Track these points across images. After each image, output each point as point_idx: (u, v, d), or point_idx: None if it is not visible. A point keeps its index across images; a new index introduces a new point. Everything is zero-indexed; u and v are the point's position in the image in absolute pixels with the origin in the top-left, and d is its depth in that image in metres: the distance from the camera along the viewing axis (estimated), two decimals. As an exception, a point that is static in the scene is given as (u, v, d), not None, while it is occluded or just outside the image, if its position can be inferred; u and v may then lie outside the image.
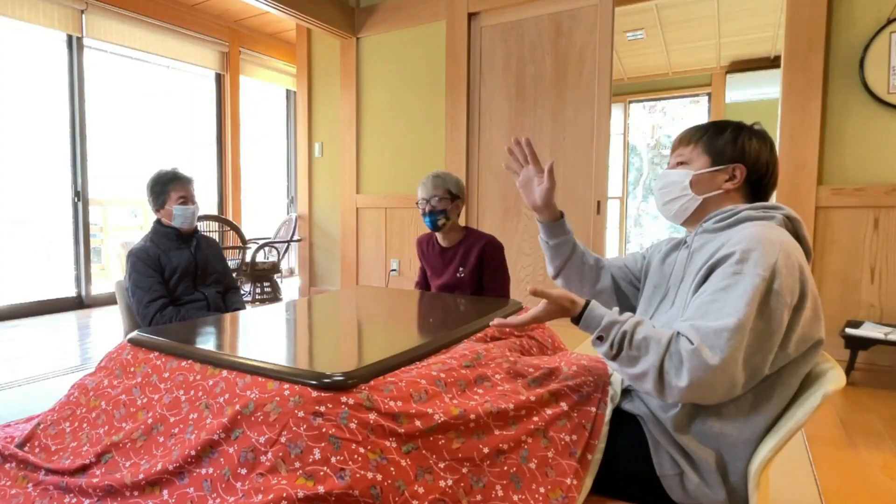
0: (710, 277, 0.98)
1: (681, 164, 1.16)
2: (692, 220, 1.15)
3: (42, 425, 1.29)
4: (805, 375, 0.98)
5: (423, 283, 2.42)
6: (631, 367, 0.97)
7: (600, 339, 1.00)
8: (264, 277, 4.70)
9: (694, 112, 7.06)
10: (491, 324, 1.14)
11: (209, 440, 0.98)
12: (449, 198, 2.17)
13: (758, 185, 1.11)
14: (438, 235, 2.28)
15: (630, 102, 7.04)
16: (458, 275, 2.20)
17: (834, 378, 0.93)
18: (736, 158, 1.10)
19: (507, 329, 1.51)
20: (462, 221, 3.78)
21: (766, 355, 0.92)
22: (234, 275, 2.62)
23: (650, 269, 1.24)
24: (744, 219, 1.04)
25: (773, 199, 1.15)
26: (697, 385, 0.90)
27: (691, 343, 0.91)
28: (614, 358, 0.99)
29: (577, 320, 1.05)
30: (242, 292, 2.53)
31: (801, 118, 2.94)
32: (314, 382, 0.98)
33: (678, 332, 0.95)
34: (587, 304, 1.04)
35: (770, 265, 0.91)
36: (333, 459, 0.89)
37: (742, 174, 1.09)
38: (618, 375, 1.17)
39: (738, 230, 1.01)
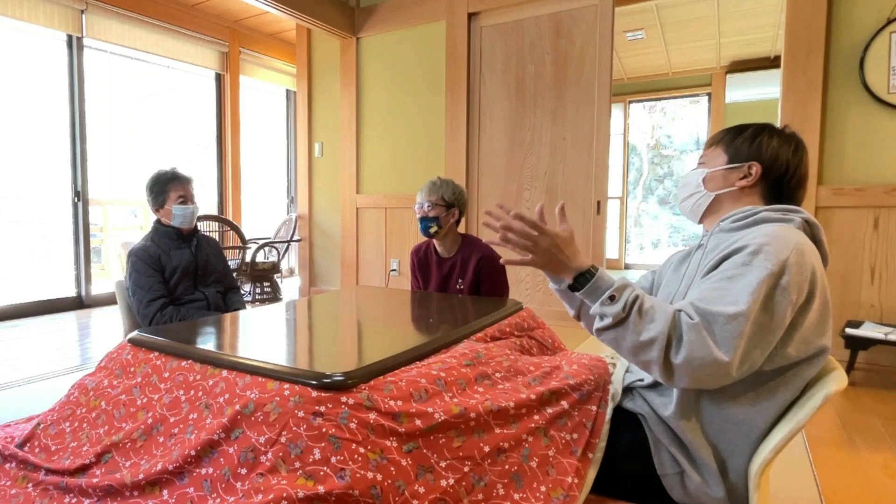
0: (719, 266, 0.97)
1: (701, 164, 1.17)
2: (707, 217, 1.15)
3: (42, 425, 1.29)
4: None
5: None
6: (638, 332, 0.92)
7: (612, 298, 0.95)
8: (264, 277, 4.70)
9: (694, 112, 7.07)
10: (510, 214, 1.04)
11: (209, 440, 0.98)
12: (443, 205, 2.12)
13: (777, 185, 1.08)
14: (436, 244, 2.23)
15: (630, 102, 7.04)
16: (458, 287, 2.17)
17: (836, 378, 0.93)
18: (752, 156, 1.09)
19: (507, 329, 1.51)
20: (463, 222, 3.76)
21: (764, 350, 0.91)
22: (234, 275, 2.61)
23: (663, 280, 1.24)
24: (762, 220, 1.03)
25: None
26: (690, 361, 0.88)
27: (691, 319, 0.90)
28: (622, 322, 0.94)
29: (581, 279, 1.00)
30: (242, 292, 2.53)
31: (801, 118, 2.94)
32: (314, 382, 0.98)
33: (678, 309, 0.93)
34: (594, 266, 1.02)
35: (781, 260, 0.91)
36: (333, 459, 0.88)
37: (757, 172, 1.08)
38: (619, 374, 1.17)
39: (754, 230, 1.00)
